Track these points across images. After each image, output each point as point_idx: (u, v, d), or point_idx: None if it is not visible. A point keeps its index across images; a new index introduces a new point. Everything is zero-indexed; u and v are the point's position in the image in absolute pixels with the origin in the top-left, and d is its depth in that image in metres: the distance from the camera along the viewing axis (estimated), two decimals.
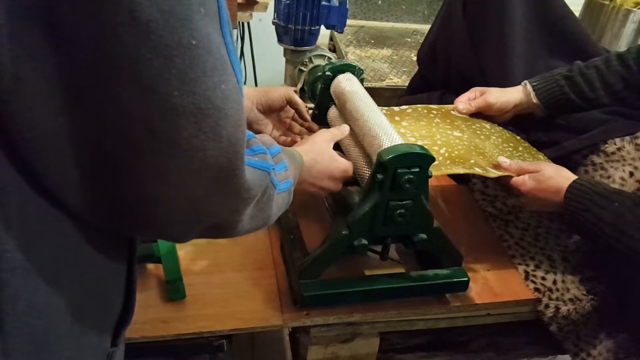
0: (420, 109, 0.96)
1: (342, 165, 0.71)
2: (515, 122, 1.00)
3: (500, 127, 0.98)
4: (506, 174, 0.81)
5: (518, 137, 0.97)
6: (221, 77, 0.33)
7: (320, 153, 0.69)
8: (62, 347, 0.37)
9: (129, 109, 0.31)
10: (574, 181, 0.77)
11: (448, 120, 0.93)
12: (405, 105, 0.99)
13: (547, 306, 0.81)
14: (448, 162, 0.72)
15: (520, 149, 0.92)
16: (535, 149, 0.94)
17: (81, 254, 0.38)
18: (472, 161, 0.81)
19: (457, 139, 0.87)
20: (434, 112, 0.96)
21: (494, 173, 0.80)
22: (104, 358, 0.43)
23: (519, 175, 0.81)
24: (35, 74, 0.29)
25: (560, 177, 0.79)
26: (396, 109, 0.93)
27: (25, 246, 0.33)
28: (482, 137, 0.91)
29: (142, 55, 0.29)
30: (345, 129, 0.76)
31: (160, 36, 0.29)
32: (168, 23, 0.29)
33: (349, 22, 1.85)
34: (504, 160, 0.83)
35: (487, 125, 0.96)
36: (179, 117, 0.31)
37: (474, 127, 0.94)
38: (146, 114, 0.31)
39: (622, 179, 0.87)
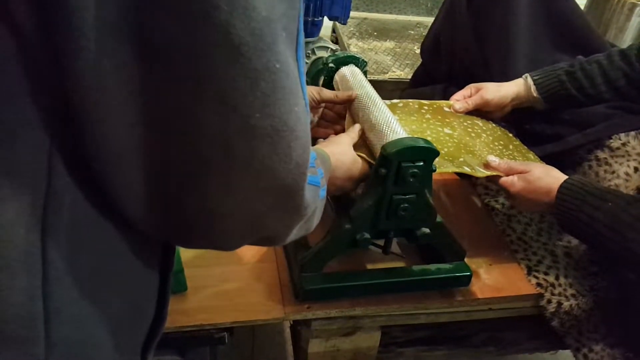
0: (411, 104, 0.95)
1: (363, 167, 0.71)
2: (519, 114, 0.99)
3: (493, 125, 0.97)
4: (495, 173, 0.81)
5: (510, 135, 0.96)
6: (295, 99, 0.33)
7: (344, 154, 0.69)
8: (100, 357, 0.37)
9: (209, 128, 0.31)
10: (564, 181, 0.76)
11: (439, 117, 0.93)
12: (409, 98, 0.98)
13: (549, 301, 0.81)
14: (437, 159, 0.72)
15: (511, 147, 0.91)
16: (525, 147, 0.93)
17: (121, 266, 0.38)
18: (462, 159, 0.80)
19: (448, 136, 0.87)
20: (426, 107, 0.95)
21: (482, 172, 0.80)
22: None
23: (507, 175, 0.80)
24: (119, 87, 0.29)
25: (550, 177, 0.78)
26: (387, 102, 0.92)
27: (70, 256, 0.33)
28: (472, 134, 0.90)
29: (230, 77, 0.29)
30: (357, 128, 0.76)
31: (249, 59, 0.29)
32: (257, 46, 0.29)
33: (351, 14, 1.83)
34: (492, 159, 0.82)
35: (480, 123, 0.95)
36: (256, 138, 0.32)
37: (465, 124, 0.93)
38: (225, 134, 0.31)
39: (627, 174, 0.86)
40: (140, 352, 0.43)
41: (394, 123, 0.72)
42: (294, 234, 0.44)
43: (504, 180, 0.80)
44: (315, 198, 0.45)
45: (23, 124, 0.29)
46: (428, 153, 0.66)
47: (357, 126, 0.76)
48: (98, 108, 0.29)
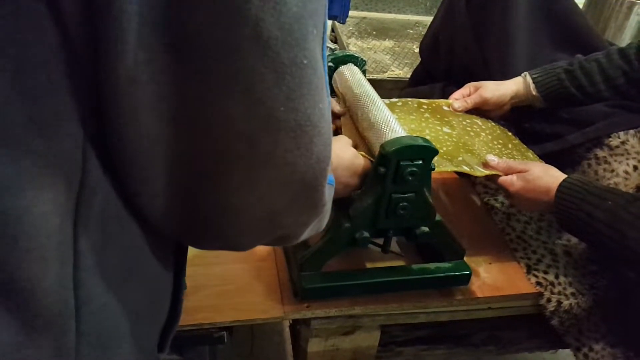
0: (410, 103, 0.95)
1: (365, 163, 0.70)
2: (518, 113, 0.99)
3: (492, 123, 0.97)
4: (493, 172, 0.81)
5: (509, 134, 0.96)
6: (320, 96, 0.34)
7: (344, 151, 0.69)
8: (122, 349, 0.38)
9: (235, 121, 0.31)
10: (564, 180, 0.76)
11: (438, 116, 0.93)
12: (408, 97, 0.98)
13: (548, 300, 0.81)
14: (436, 158, 0.72)
15: (510, 146, 0.91)
16: (525, 146, 0.93)
17: (141, 262, 0.39)
18: (460, 158, 0.80)
19: (447, 135, 0.87)
20: (425, 106, 0.95)
21: (480, 172, 0.79)
22: None
23: (506, 174, 0.80)
24: (151, 80, 0.29)
25: (549, 176, 0.78)
26: (386, 101, 0.92)
27: (98, 248, 0.33)
28: (472, 133, 0.90)
29: (257, 70, 0.30)
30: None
31: (277, 53, 0.30)
32: (286, 41, 0.30)
33: (351, 13, 1.83)
34: (491, 158, 0.82)
35: (479, 121, 0.95)
36: (280, 131, 0.32)
37: (464, 122, 0.93)
38: (250, 127, 0.31)
39: (626, 172, 0.86)
40: (157, 345, 0.44)
41: (392, 122, 0.72)
42: (307, 233, 0.44)
43: (503, 179, 0.80)
44: (330, 196, 0.45)
45: (62, 116, 0.30)
46: (427, 152, 0.66)
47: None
48: (129, 100, 0.30)
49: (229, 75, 0.29)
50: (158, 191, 0.34)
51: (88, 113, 0.31)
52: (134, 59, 0.28)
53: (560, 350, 0.96)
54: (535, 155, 0.91)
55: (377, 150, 0.67)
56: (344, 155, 0.68)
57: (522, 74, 0.96)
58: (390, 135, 0.68)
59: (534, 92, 0.94)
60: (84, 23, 0.28)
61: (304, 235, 0.44)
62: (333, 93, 0.87)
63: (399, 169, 0.65)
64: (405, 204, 0.69)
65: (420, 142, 0.66)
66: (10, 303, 0.29)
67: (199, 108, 0.31)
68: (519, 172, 0.79)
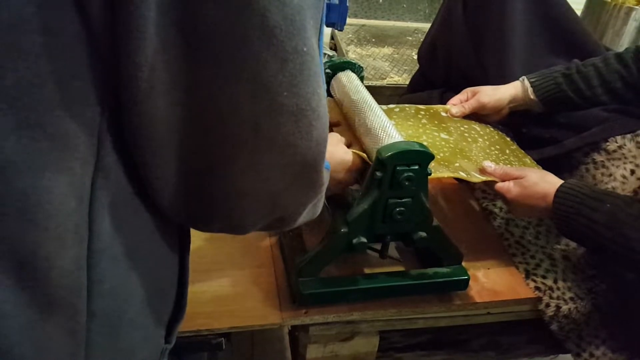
0: (407, 109, 0.96)
1: (355, 160, 0.72)
2: (516, 118, 1.00)
3: (491, 129, 0.97)
4: (490, 179, 0.81)
5: (507, 139, 0.96)
6: (318, 82, 0.36)
7: (335, 146, 0.70)
8: (131, 334, 0.39)
9: (242, 106, 0.33)
10: (561, 185, 0.76)
11: (436, 122, 0.93)
12: (406, 103, 0.99)
13: (547, 305, 0.81)
14: (433, 164, 0.72)
15: (507, 152, 0.91)
16: (522, 152, 0.94)
17: (152, 245, 0.40)
18: (457, 164, 0.81)
19: (444, 141, 0.87)
20: (422, 112, 0.95)
21: (477, 178, 0.80)
22: (158, 354, 0.45)
23: (503, 180, 0.80)
24: (165, 67, 0.31)
25: (545, 182, 0.78)
26: (384, 107, 0.92)
27: (113, 231, 0.35)
28: (469, 139, 0.90)
29: (263, 58, 0.32)
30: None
31: (281, 41, 0.32)
32: (289, 30, 0.32)
33: (350, 20, 1.85)
34: (488, 164, 0.82)
35: (477, 127, 0.96)
36: (282, 115, 0.34)
37: (462, 128, 0.93)
38: (255, 112, 0.33)
39: (624, 176, 0.86)
40: (164, 335, 0.45)
41: (389, 127, 0.72)
42: (303, 217, 0.46)
43: (500, 186, 0.80)
44: (326, 179, 0.47)
45: (81, 100, 0.31)
46: (423, 156, 0.66)
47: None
48: (145, 86, 0.31)
49: (237, 62, 0.31)
50: (168, 176, 0.35)
51: (105, 99, 0.32)
52: (152, 45, 0.30)
53: (561, 355, 0.96)
54: (532, 161, 0.91)
55: (374, 155, 0.68)
56: (335, 151, 0.69)
57: (520, 78, 0.96)
58: (387, 141, 0.69)
59: (531, 96, 0.94)
60: (106, 10, 0.29)
61: (300, 220, 0.46)
62: (330, 97, 0.88)
63: (395, 174, 0.66)
64: (402, 209, 0.69)
65: (417, 147, 0.66)
66: (27, 281, 0.30)
67: (208, 94, 0.32)
68: (516, 178, 0.79)
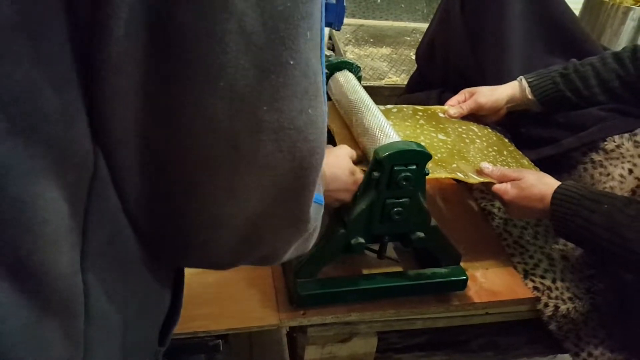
0: (405, 109, 0.95)
1: (359, 177, 0.69)
2: (514, 118, 0.99)
3: (489, 130, 0.97)
4: (487, 180, 0.81)
5: (505, 141, 0.96)
6: (310, 102, 0.33)
7: (342, 168, 0.68)
8: (127, 336, 0.38)
9: (217, 119, 0.31)
10: (558, 187, 0.76)
11: (434, 122, 0.93)
12: (404, 104, 0.99)
13: (546, 305, 0.81)
14: (431, 165, 0.72)
15: (505, 153, 0.91)
16: (520, 153, 0.93)
17: (142, 253, 0.38)
18: (455, 165, 0.80)
19: (441, 142, 0.87)
20: (420, 113, 0.95)
21: (474, 179, 0.80)
22: (152, 356, 0.44)
23: (500, 181, 0.80)
24: (134, 70, 0.29)
25: (543, 184, 0.77)
26: (381, 107, 0.92)
27: (108, 236, 0.34)
28: (467, 140, 0.90)
29: (241, 65, 0.29)
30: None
31: (260, 49, 0.30)
32: (269, 38, 0.30)
33: (348, 21, 1.85)
34: (486, 166, 0.82)
35: (475, 128, 0.95)
36: (262, 132, 0.32)
37: (460, 129, 0.93)
38: (233, 127, 0.31)
39: (622, 176, 0.86)
40: (158, 338, 0.44)
41: (387, 127, 0.72)
42: (290, 254, 0.43)
43: (497, 187, 0.80)
44: (317, 217, 0.44)
45: (76, 106, 0.30)
46: (420, 156, 0.66)
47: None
48: (113, 89, 0.29)
49: (213, 69, 0.29)
50: (138, 196, 0.34)
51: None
52: (123, 47, 0.28)
53: (559, 355, 0.96)
54: (530, 163, 0.91)
55: (371, 155, 0.67)
56: (339, 173, 0.67)
57: (518, 78, 0.96)
58: (385, 141, 0.68)
59: (529, 96, 0.94)
60: (92, 14, 0.28)
61: (287, 255, 0.43)
62: (329, 100, 0.87)
63: (392, 174, 0.65)
64: (399, 209, 0.69)
65: (414, 147, 0.66)
66: (24, 286, 0.30)
67: (180, 106, 0.30)
68: (513, 179, 0.79)
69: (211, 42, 0.29)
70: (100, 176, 0.32)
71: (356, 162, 0.72)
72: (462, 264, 0.79)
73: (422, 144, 0.80)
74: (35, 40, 0.27)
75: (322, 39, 0.35)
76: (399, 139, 0.69)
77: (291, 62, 0.31)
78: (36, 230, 0.29)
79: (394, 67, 1.58)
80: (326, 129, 0.37)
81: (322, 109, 0.35)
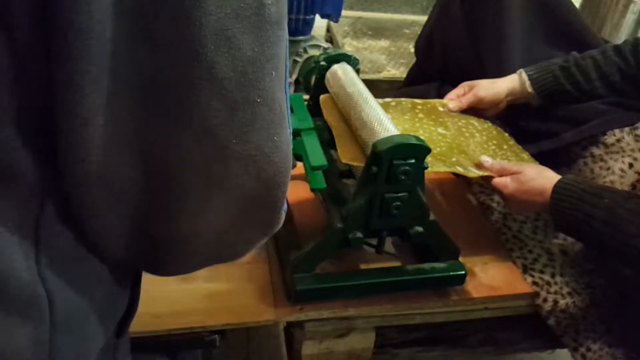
0: (404, 103, 0.94)
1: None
2: (513, 112, 0.99)
3: (489, 124, 0.96)
4: (487, 174, 0.80)
5: (505, 135, 0.96)
6: (276, 130, 0.36)
7: None
8: (91, 338, 0.40)
9: (189, 152, 0.33)
10: (559, 181, 0.75)
11: (433, 116, 0.92)
12: (403, 97, 0.98)
13: (545, 300, 0.80)
14: (430, 158, 0.72)
15: (505, 147, 0.90)
16: (520, 147, 0.93)
17: (98, 263, 0.39)
18: (454, 159, 0.80)
19: (441, 136, 0.86)
20: (419, 107, 0.94)
21: (474, 173, 0.79)
22: (112, 350, 0.45)
23: (500, 175, 0.80)
24: (110, 119, 0.31)
25: (543, 177, 0.77)
26: (380, 101, 0.91)
27: (59, 247, 0.35)
28: (466, 134, 0.89)
29: (212, 106, 0.32)
30: None
31: (230, 92, 0.32)
32: (239, 82, 0.32)
33: (346, 13, 1.83)
34: (485, 159, 0.81)
35: (475, 122, 0.95)
36: (230, 160, 0.35)
37: (460, 123, 0.92)
38: (204, 157, 0.34)
39: (622, 170, 0.86)
40: (115, 330, 0.45)
41: (385, 120, 0.71)
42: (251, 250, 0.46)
43: (497, 181, 0.79)
44: (281, 220, 0.47)
45: (16, 145, 0.31)
46: (419, 150, 0.65)
47: None
48: (85, 137, 0.31)
49: (186, 111, 0.32)
50: (111, 221, 0.35)
51: (41, 146, 0.32)
52: (94, 101, 0.30)
53: (558, 350, 0.95)
54: (530, 157, 0.90)
55: (369, 149, 0.66)
56: None
57: (517, 71, 0.95)
58: (383, 134, 0.68)
59: (529, 89, 0.93)
60: (37, 49, 0.29)
61: (249, 251, 0.46)
62: (327, 93, 0.86)
63: (391, 168, 0.65)
64: (398, 203, 0.68)
65: (413, 141, 0.65)
66: None
67: (155, 141, 0.33)
68: (513, 173, 0.79)
69: (184, 87, 0.31)
70: (50, 194, 0.33)
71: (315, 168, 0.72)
72: (460, 258, 0.79)
73: (421, 137, 0.80)
74: None
75: (286, 71, 0.38)
76: (398, 133, 0.68)
77: (258, 100, 0.34)
78: None
79: (393, 60, 1.57)
80: (290, 150, 0.40)
81: (286, 135, 0.38)
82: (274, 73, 0.34)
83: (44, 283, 0.34)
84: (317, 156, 0.72)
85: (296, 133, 0.75)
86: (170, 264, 0.40)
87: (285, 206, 0.48)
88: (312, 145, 0.74)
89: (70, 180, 0.33)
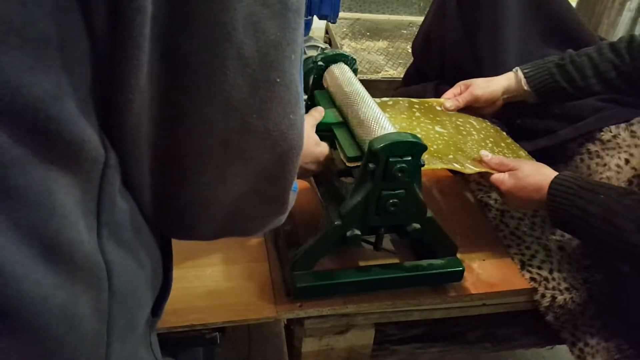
0: (401, 102, 0.95)
1: (325, 149, 0.75)
2: (510, 109, 0.99)
3: (486, 123, 0.97)
4: (484, 170, 0.81)
5: (503, 133, 0.96)
6: (292, 108, 0.40)
7: (306, 137, 0.70)
8: (138, 310, 0.42)
9: (214, 125, 0.37)
10: (555, 177, 0.75)
11: (430, 115, 0.93)
12: (400, 97, 0.98)
13: (543, 296, 0.81)
14: (426, 156, 0.72)
15: (502, 145, 0.91)
16: (517, 145, 0.93)
17: (149, 229, 0.42)
18: (451, 156, 0.80)
19: (438, 134, 0.87)
20: (416, 106, 0.95)
21: (471, 169, 0.80)
22: (149, 328, 0.48)
23: (499, 170, 0.80)
24: (149, 89, 0.34)
25: (540, 174, 0.77)
26: (377, 100, 0.92)
27: (117, 221, 0.37)
28: (464, 132, 0.90)
29: (237, 83, 0.35)
30: (320, 109, 0.79)
31: (254, 70, 0.36)
32: (262, 62, 0.36)
33: (344, 14, 1.84)
34: (485, 153, 0.82)
35: (473, 121, 0.95)
36: (250, 133, 0.38)
37: (457, 122, 0.93)
38: (226, 130, 0.37)
39: (618, 166, 0.86)
40: (151, 309, 0.47)
41: (382, 119, 0.71)
42: (266, 228, 0.49)
43: (495, 177, 0.80)
44: (292, 201, 0.50)
45: (90, 112, 0.33)
46: (416, 147, 0.66)
47: (320, 108, 0.79)
48: (136, 106, 0.34)
49: (214, 87, 0.35)
50: (145, 181, 0.39)
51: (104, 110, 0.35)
52: (143, 73, 0.33)
53: (557, 346, 0.96)
54: (527, 155, 0.91)
55: (367, 147, 0.67)
56: (306, 142, 0.70)
57: (514, 69, 0.96)
58: (380, 132, 0.68)
59: (525, 87, 0.94)
60: (107, 31, 0.32)
61: (264, 229, 0.49)
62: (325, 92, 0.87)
63: (388, 165, 0.65)
64: (395, 200, 0.68)
65: (409, 138, 0.66)
66: (57, 266, 0.33)
67: (183, 113, 0.36)
68: (510, 169, 0.79)
69: (214, 65, 0.34)
70: (110, 165, 0.36)
71: (351, 159, 0.73)
72: (458, 255, 0.79)
73: (419, 135, 0.80)
74: (61, 51, 0.30)
75: (301, 56, 0.41)
76: (395, 131, 0.69)
77: (278, 80, 0.37)
78: (59, 212, 0.32)
79: (391, 61, 1.57)
80: (304, 128, 0.43)
81: (300, 114, 0.42)
82: (292, 56, 0.37)
83: (104, 254, 0.36)
84: (351, 148, 0.74)
85: (328, 128, 0.78)
86: (191, 227, 0.43)
87: (295, 186, 0.53)
88: (345, 139, 0.76)
89: (118, 137, 0.36)
